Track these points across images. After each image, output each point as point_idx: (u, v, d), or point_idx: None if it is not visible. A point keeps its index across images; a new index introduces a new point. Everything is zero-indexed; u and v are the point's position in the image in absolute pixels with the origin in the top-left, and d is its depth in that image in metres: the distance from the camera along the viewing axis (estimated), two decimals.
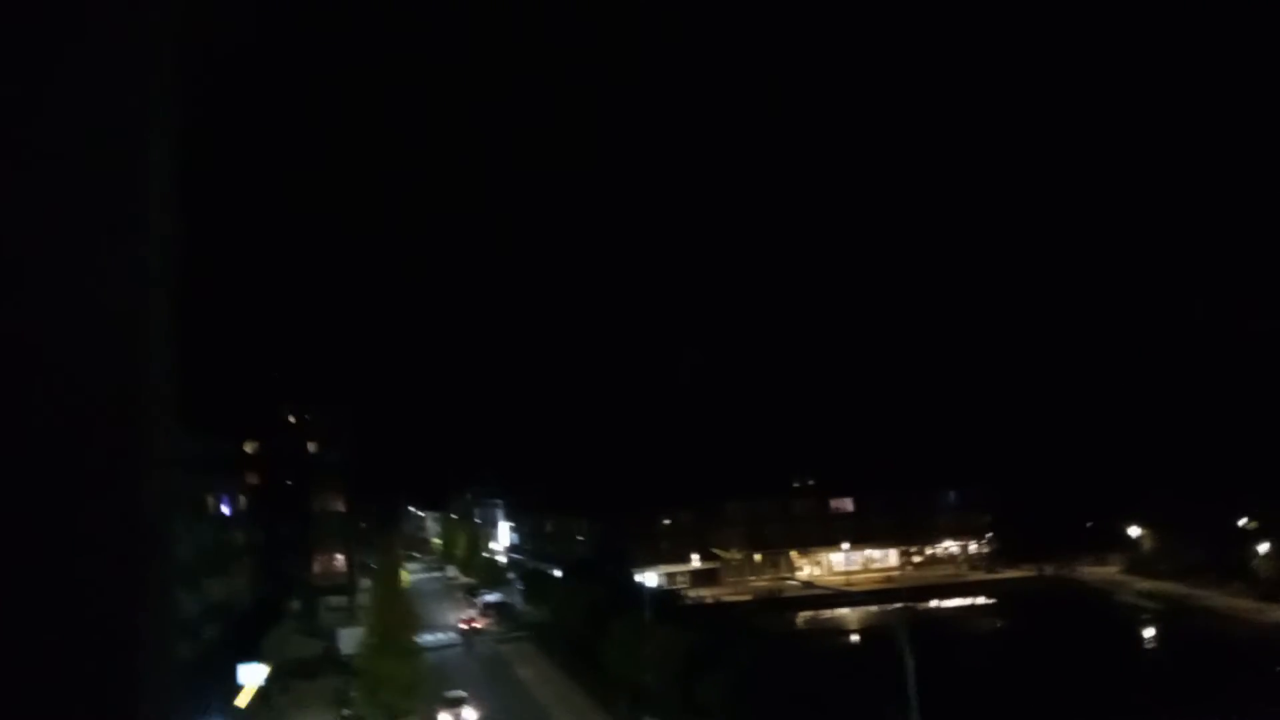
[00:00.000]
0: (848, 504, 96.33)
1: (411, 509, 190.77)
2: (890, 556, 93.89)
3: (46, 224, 0.80)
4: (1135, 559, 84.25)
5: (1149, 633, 68.00)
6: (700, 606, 72.07)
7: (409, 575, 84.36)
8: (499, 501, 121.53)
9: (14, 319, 0.76)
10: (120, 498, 0.80)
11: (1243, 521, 75.22)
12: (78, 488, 0.78)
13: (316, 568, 78.05)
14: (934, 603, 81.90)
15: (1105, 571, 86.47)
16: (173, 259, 0.90)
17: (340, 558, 79.58)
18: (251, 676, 47.40)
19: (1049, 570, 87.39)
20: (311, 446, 79.19)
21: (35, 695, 0.75)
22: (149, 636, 0.82)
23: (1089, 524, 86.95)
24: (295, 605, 74.72)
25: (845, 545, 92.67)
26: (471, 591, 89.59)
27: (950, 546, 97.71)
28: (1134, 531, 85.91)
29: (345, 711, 44.88)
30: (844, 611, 78.29)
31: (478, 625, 71.08)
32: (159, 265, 0.88)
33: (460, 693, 42.26)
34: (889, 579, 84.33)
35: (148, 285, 0.87)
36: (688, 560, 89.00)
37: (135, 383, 0.83)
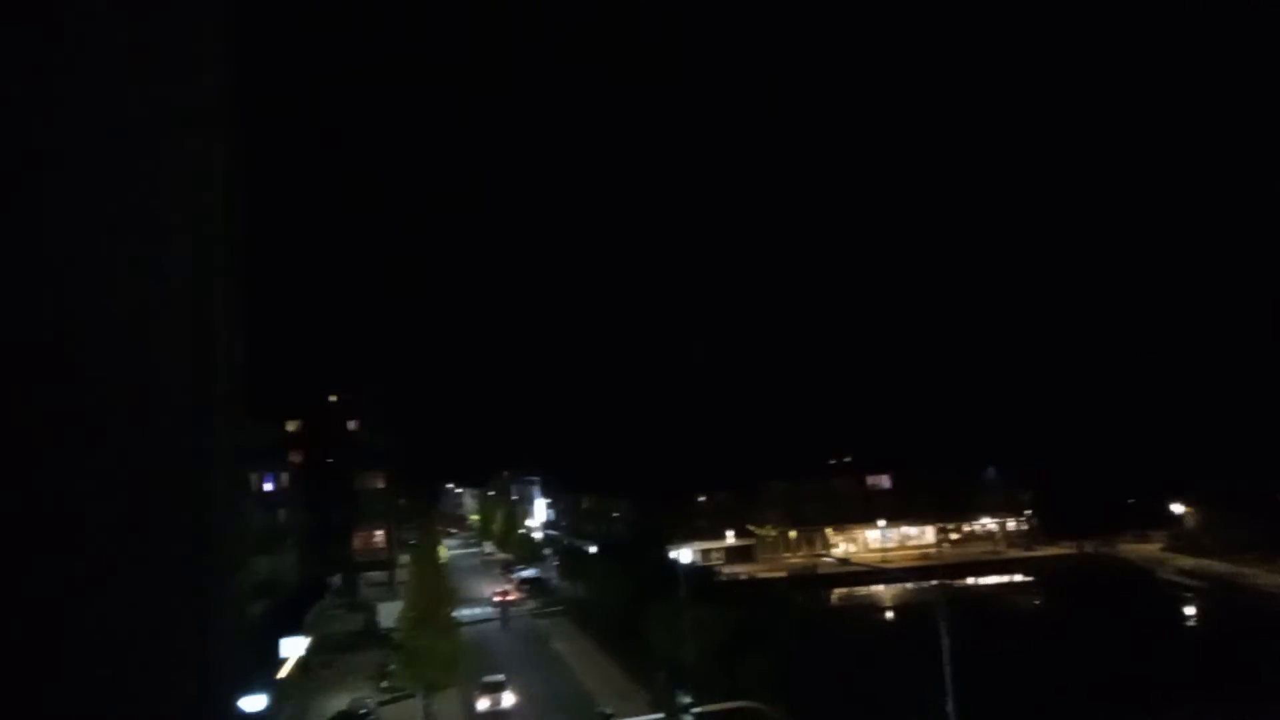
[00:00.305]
0: (884, 481, 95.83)
1: (450, 486, 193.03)
2: (927, 533, 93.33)
3: (112, 220, 0.83)
4: (1178, 536, 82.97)
5: (1190, 611, 67.02)
6: (735, 583, 72.20)
7: (447, 551, 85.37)
8: (536, 479, 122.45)
9: (84, 313, 0.80)
10: (188, 483, 0.85)
11: None
12: (145, 474, 0.83)
13: (357, 544, 79.24)
14: (971, 580, 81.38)
15: (1147, 549, 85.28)
16: (233, 250, 0.94)
17: (380, 534, 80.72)
18: (293, 649, 48.40)
19: (1089, 548, 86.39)
20: (352, 425, 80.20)
21: (106, 671, 0.81)
22: (216, 614, 0.87)
23: (1131, 501, 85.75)
24: (336, 580, 76.02)
25: (881, 522, 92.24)
26: (508, 567, 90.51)
27: (988, 523, 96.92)
28: (1177, 509, 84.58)
29: (384, 684, 45.66)
30: (879, 589, 78.01)
31: (511, 598, 72.38)
32: (220, 257, 0.92)
33: (499, 677, 41.30)
34: (925, 556, 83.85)
35: (210, 277, 0.90)
36: (723, 537, 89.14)
37: (203, 372, 0.87)
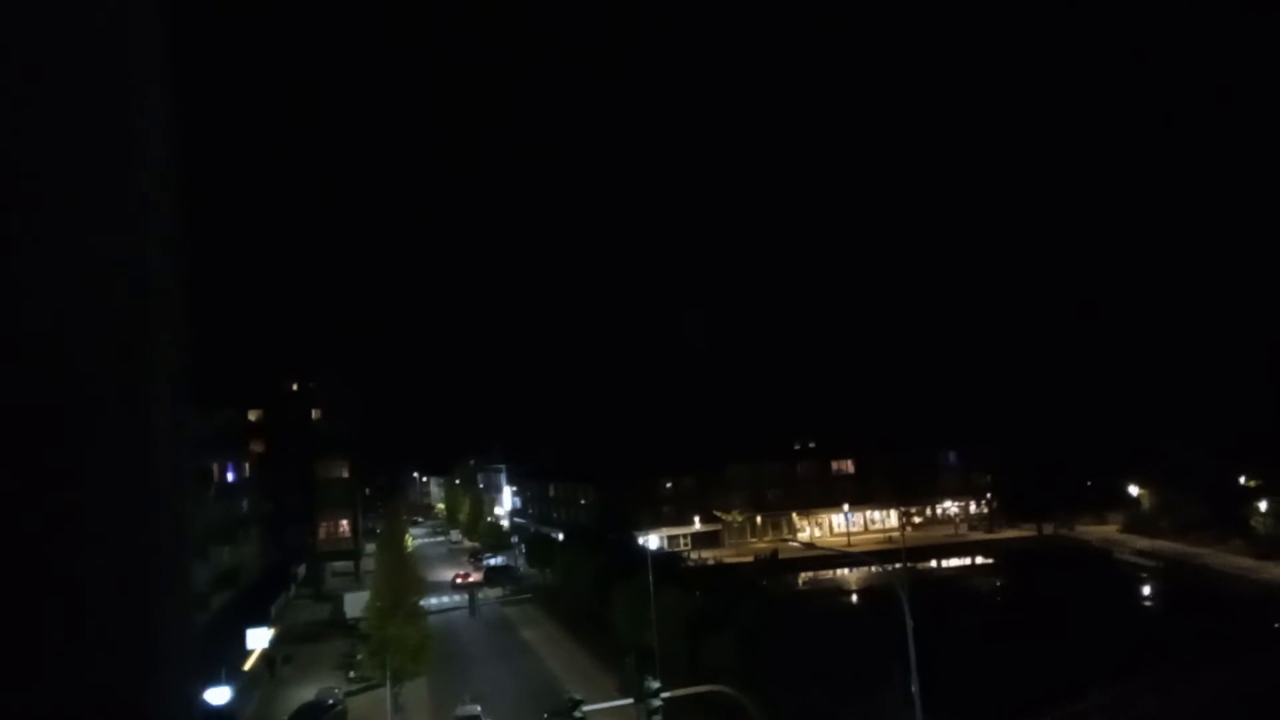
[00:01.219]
0: (848, 466, 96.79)
1: (416, 475, 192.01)
2: (891, 517, 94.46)
3: (48, 206, 0.82)
4: (1135, 517, 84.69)
5: (1147, 590, 68.51)
6: (702, 568, 72.64)
7: (413, 540, 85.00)
8: (502, 467, 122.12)
9: (21, 302, 0.79)
10: (134, 475, 0.83)
11: (1243, 479, 75.53)
12: (90, 467, 0.81)
13: (322, 533, 78.75)
14: (933, 562, 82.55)
15: (1105, 530, 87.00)
16: (177, 236, 0.92)
17: (345, 523, 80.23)
18: (258, 641, 48.02)
19: (1048, 529, 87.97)
20: (315, 414, 79.49)
21: (56, 675, 0.78)
22: (167, 611, 0.85)
23: (1089, 483, 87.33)
24: (301, 571, 75.47)
25: (846, 507, 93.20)
26: (475, 555, 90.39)
27: (950, 507, 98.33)
28: (1134, 490, 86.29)
29: (351, 674, 45.45)
30: (844, 572, 78.90)
31: (472, 579, 75.63)
32: (163, 243, 0.90)
33: (475, 708, 39.38)
34: (889, 539, 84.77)
35: (152, 264, 0.89)
36: (690, 523, 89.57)
37: (145, 361, 0.85)
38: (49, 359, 0.79)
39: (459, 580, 75.49)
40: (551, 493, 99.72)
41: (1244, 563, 66.94)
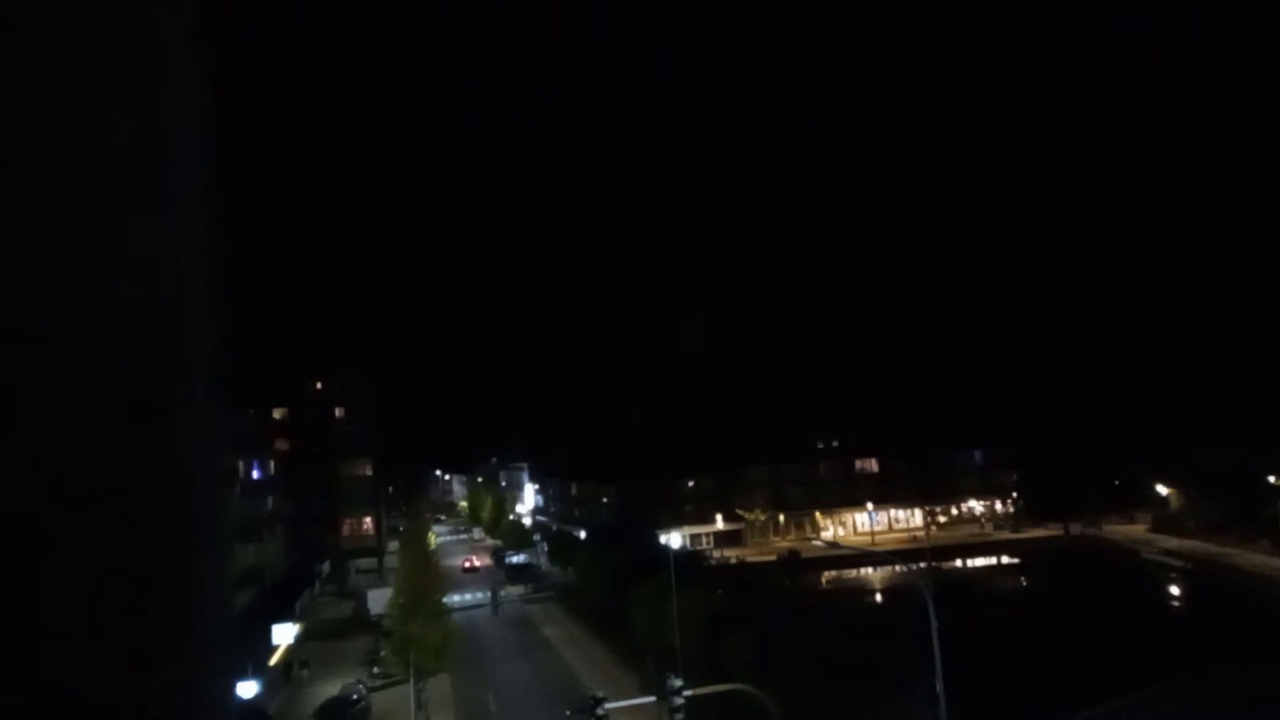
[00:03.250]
0: (872, 465, 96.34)
1: (439, 473, 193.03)
2: (915, 516, 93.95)
3: (82, 207, 0.84)
4: (1162, 517, 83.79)
5: (1174, 590, 67.78)
6: (724, 567, 72.59)
7: (436, 538, 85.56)
8: (524, 466, 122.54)
9: (58, 308, 0.80)
10: (169, 474, 0.85)
11: (1271, 478, 74.59)
12: (126, 467, 0.82)
13: (345, 531, 79.32)
14: (958, 562, 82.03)
15: (1132, 530, 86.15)
16: (208, 239, 0.93)
17: (368, 521, 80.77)
18: (284, 636, 48.47)
19: (1075, 529, 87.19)
20: (338, 414, 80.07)
21: (95, 673, 0.80)
22: (203, 608, 0.87)
23: (1116, 482, 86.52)
24: (325, 569, 76.08)
25: (869, 506, 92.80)
26: (497, 553, 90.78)
27: (975, 506, 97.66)
28: (1161, 490, 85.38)
29: (375, 670, 45.79)
30: (868, 571, 78.57)
31: (477, 565, 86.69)
32: (195, 246, 0.91)
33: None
34: (913, 539, 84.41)
35: (186, 266, 0.90)
36: (712, 522, 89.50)
37: (178, 362, 0.86)
38: (84, 360, 0.81)
39: (467, 566, 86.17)
40: (573, 491, 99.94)
41: (1273, 562, 66.14)
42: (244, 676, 37.57)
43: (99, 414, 0.80)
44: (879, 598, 70.61)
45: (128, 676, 0.81)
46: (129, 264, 0.84)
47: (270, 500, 66.24)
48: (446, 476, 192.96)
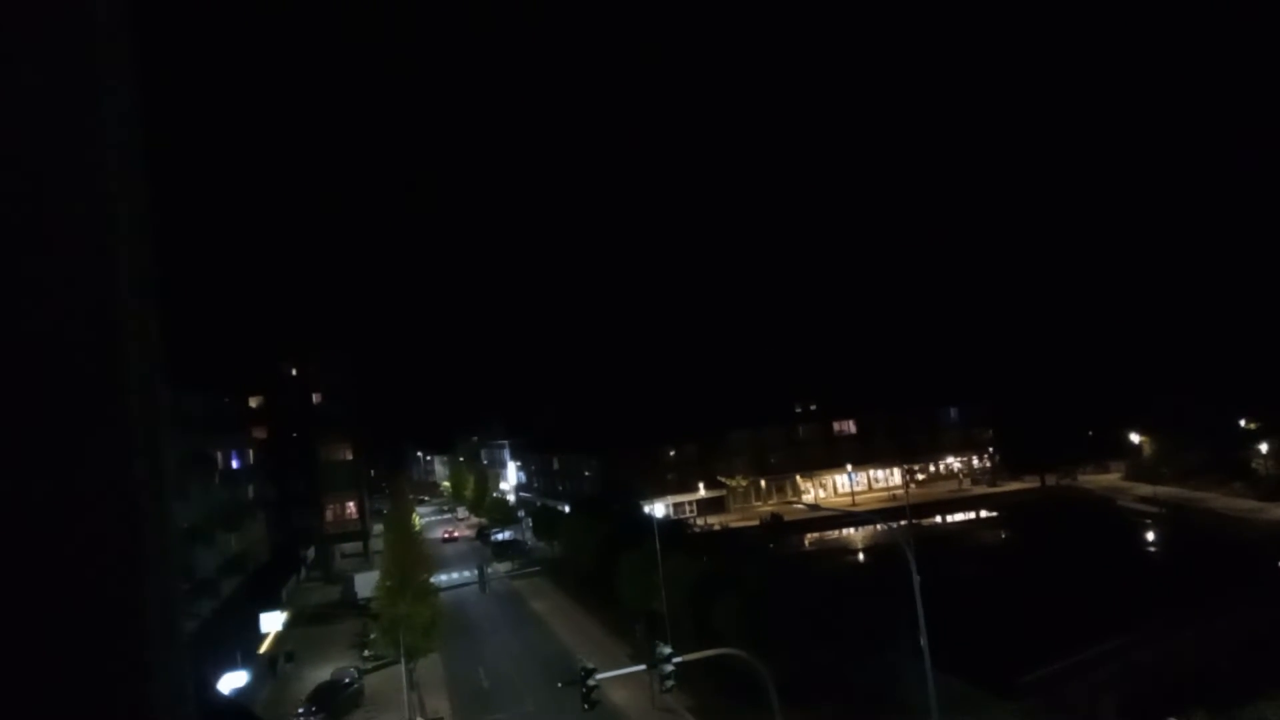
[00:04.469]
0: (850, 426, 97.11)
1: (419, 454, 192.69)
2: (894, 475, 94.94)
3: (13, 195, 0.81)
4: (1136, 465, 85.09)
5: (1150, 536, 68.99)
6: (708, 534, 73.10)
7: (420, 519, 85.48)
8: (505, 443, 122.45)
9: None
10: (112, 470, 0.82)
11: (1242, 422, 75.83)
12: (70, 464, 0.80)
13: (329, 516, 79.06)
14: (938, 518, 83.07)
15: (1107, 479, 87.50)
16: (147, 222, 0.91)
17: (351, 505, 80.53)
18: (272, 624, 48.42)
19: (1051, 480, 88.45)
20: (316, 398, 79.54)
21: (41, 676, 0.77)
22: (153, 611, 0.83)
23: (1089, 433, 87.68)
24: (310, 554, 75.95)
25: (849, 467, 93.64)
26: (482, 531, 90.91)
27: (953, 462, 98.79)
28: (1135, 438, 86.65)
29: (366, 653, 45.89)
30: (850, 532, 79.44)
31: (457, 535, 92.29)
32: (131, 231, 0.88)
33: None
34: (893, 497, 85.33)
35: (120, 252, 0.87)
36: (694, 489, 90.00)
37: (119, 351, 0.83)
38: (21, 352, 0.78)
39: (446, 536, 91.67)
40: (555, 465, 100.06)
41: (1246, 505, 67.39)
42: (233, 666, 37.54)
43: (29, 404, 0.78)
44: (861, 557, 71.44)
45: (76, 676, 0.77)
46: (59, 246, 0.82)
47: (251, 488, 65.89)
48: (428, 457, 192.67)
